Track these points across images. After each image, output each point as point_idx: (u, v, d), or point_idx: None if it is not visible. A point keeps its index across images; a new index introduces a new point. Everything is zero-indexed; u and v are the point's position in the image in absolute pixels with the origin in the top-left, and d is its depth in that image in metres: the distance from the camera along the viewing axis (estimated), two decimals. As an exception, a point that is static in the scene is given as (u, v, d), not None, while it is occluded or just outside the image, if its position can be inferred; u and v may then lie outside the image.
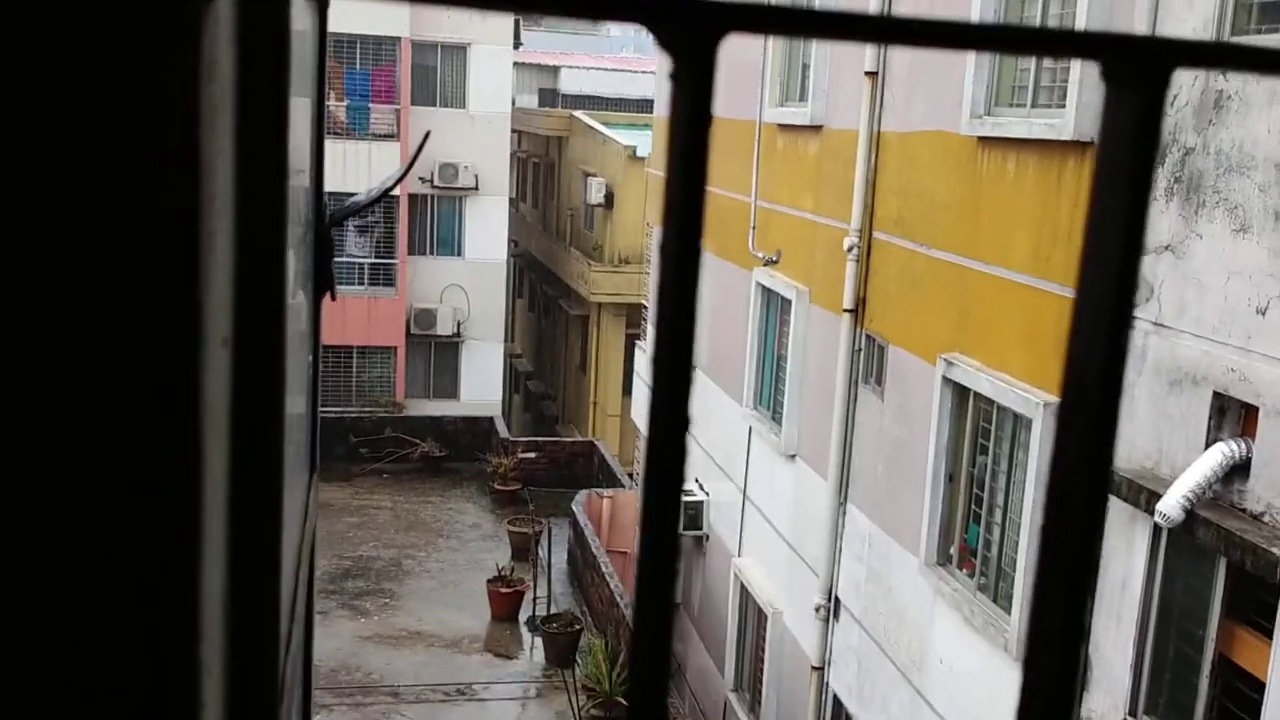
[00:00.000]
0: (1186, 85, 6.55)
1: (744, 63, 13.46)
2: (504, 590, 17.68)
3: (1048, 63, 8.13)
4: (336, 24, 24.49)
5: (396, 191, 25.25)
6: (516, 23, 27.21)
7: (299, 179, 1.49)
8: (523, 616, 17.77)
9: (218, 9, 0.59)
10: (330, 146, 27.30)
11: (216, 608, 0.63)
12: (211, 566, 0.60)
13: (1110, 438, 0.46)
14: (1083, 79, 7.38)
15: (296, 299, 1.46)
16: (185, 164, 0.52)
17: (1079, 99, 7.40)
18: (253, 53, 0.71)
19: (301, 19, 1.44)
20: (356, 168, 24.75)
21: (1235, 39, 6.33)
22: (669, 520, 0.44)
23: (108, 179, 0.50)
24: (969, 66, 8.68)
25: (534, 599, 17.52)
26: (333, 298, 1.80)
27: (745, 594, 13.33)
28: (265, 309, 0.76)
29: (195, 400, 0.54)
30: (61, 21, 0.48)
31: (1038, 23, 8.17)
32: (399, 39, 25.34)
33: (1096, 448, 0.46)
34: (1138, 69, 0.43)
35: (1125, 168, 0.43)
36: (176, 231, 0.52)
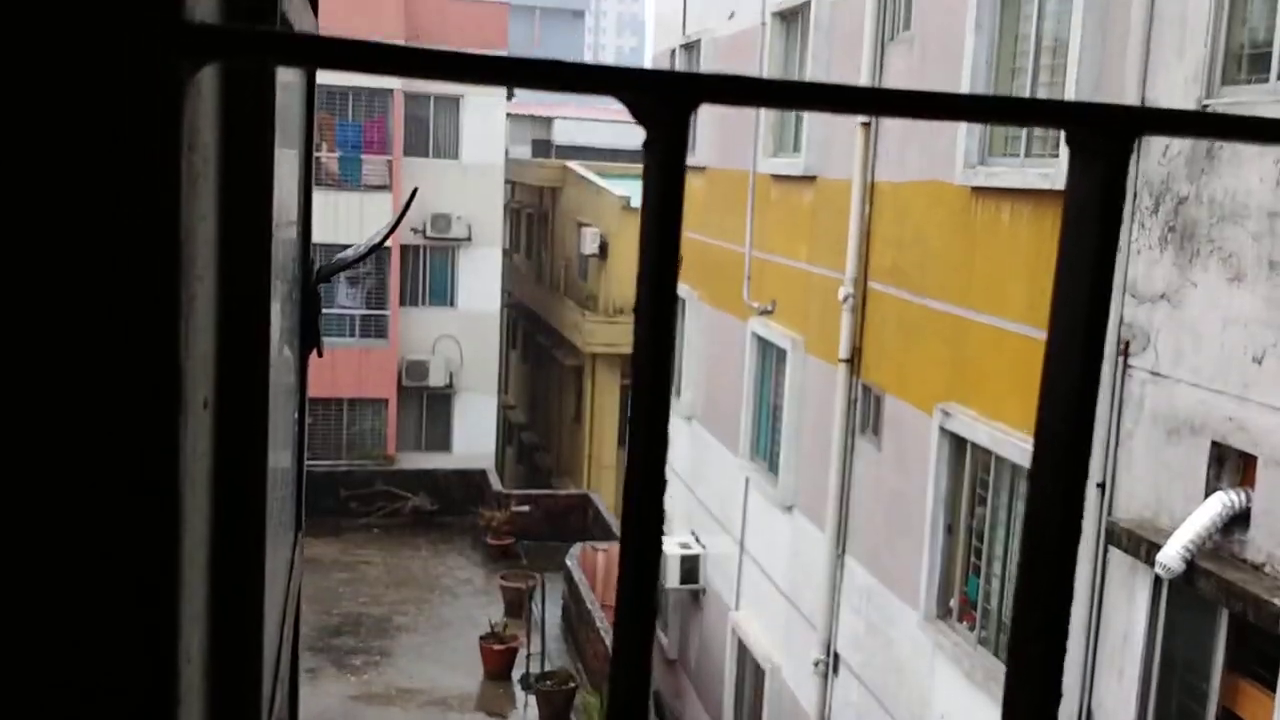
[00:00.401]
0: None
1: (738, 113, 13.55)
2: (497, 647, 17.47)
3: (1040, 113, 8.17)
4: (329, 76, 24.72)
5: (389, 243, 25.31)
6: (510, 77, 27.43)
7: (287, 234, 1.47)
8: (516, 674, 17.55)
9: (201, 81, 0.60)
10: (322, 197, 27.44)
11: (197, 670, 0.58)
12: (191, 628, 0.56)
13: (1080, 487, 0.47)
14: (1075, 129, 7.41)
15: (283, 355, 1.43)
16: (165, 231, 0.52)
17: (1072, 149, 7.42)
18: (237, 122, 0.73)
19: (289, 73, 1.42)
20: (348, 219, 24.83)
21: (1226, 88, 6.37)
22: (647, 581, 0.43)
23: (88, 244, 0.51)
24: (961, 117, 8.72)
25: (527, 656, 17.31)
26: (319, 354, 1.77)
27: (743, 649, 13.18)
28: (248, 371, 0.76)
29: (174, 463, 0.54)
30: (48, 90, 0.49)
31: (1030, 74, 8.24)
32: (391, 90, 25.53)
33: (1068, 498, 0.47)
34: (1100, 137, 0.44)
35: (1090, 232, 0.44)
36: (155, 297, 0.53)
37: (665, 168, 0.39)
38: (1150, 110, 0.45)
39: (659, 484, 0.42)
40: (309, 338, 1.73)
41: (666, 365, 0.40)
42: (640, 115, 0.39)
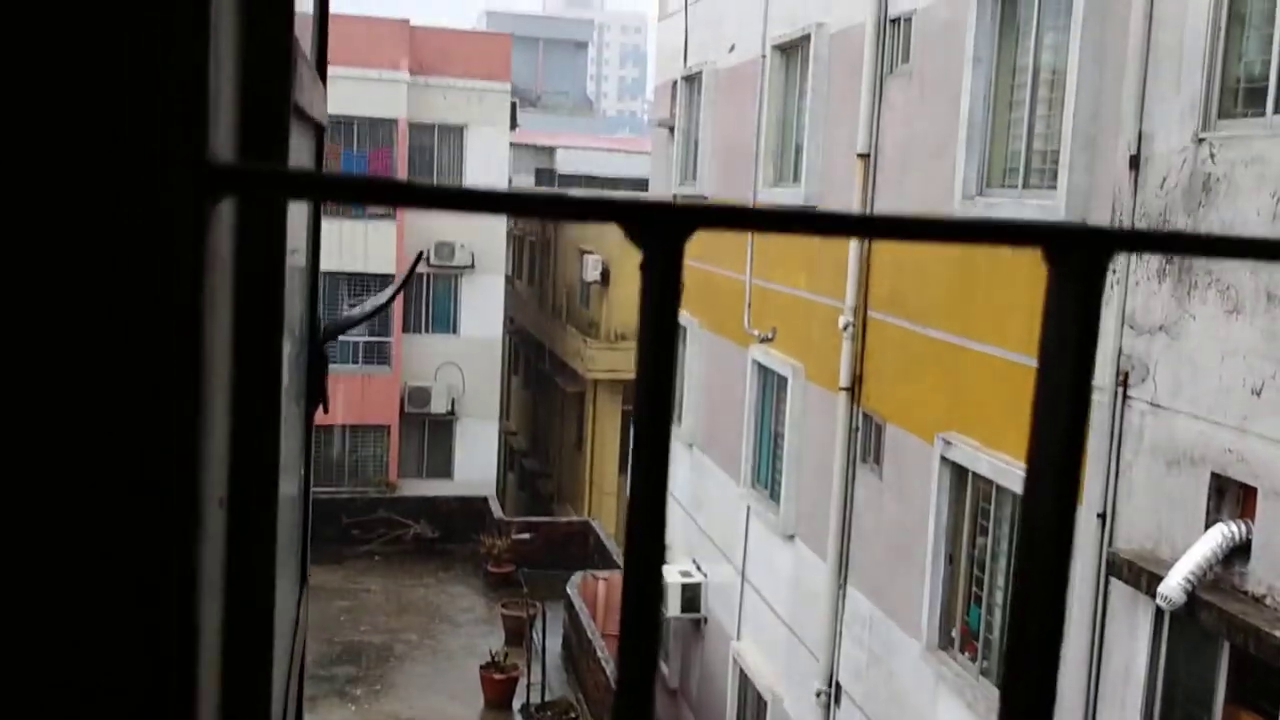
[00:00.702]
0: (1175, 168, 6.62)
1: (738, 143, 13.63)
2: (497, 676, 17.40)
3: (1038, 144, 8.23)
4: (334, 106, 24.79)
5: (393, 270, 25.37)
6: (513, 104, 27.60)
7: (295, 301, 1.50)
8: (516, 704, 17.47)
9: (221, 207, 0.64)
10: (327, 225, 27.48)
11: None
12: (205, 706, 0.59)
13: (1061, 598, 0.49)
14: (1073, 161, 7.46)
15: (289, 415, 1.46)
16: (186, 354, 0.55)
17: (1070, 180, 7.47)
18: (252, 230, 0.75)
19: (299, 152, 1.46)
20: (353, 247, 24.91)
21: (1222, 122, 6.41)
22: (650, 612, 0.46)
23: (112, 367, 0.54)
24: (960, 148, 8.78)
25: (528, 685, 17.24)
26: (325, 411, 1.79)
27: (744, 679, 13.13)
28: (262, 463, 0.78)
29: (192, 566, 0.56)
30: (80, 216, 0.52)
31: (1027, 106, 8.29)
32: (396, 120, 25.67)
33: (1051, 607, 0.49)
34: (1076, 256, 0.46)
35: (1070, 344, 0.46)
36: (175, 404, 0.55)
37: (661, 290, 0.42)
38: (1126, 231, 0.47)
39: (659, 547, 0.45)
40: (314, 396, 1.75)
41: (662, 474, 0.43)
42: (638, 240, 0.41)
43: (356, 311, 2.58)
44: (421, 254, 3.74)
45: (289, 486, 1.39)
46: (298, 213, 1.45)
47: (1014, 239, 0.49)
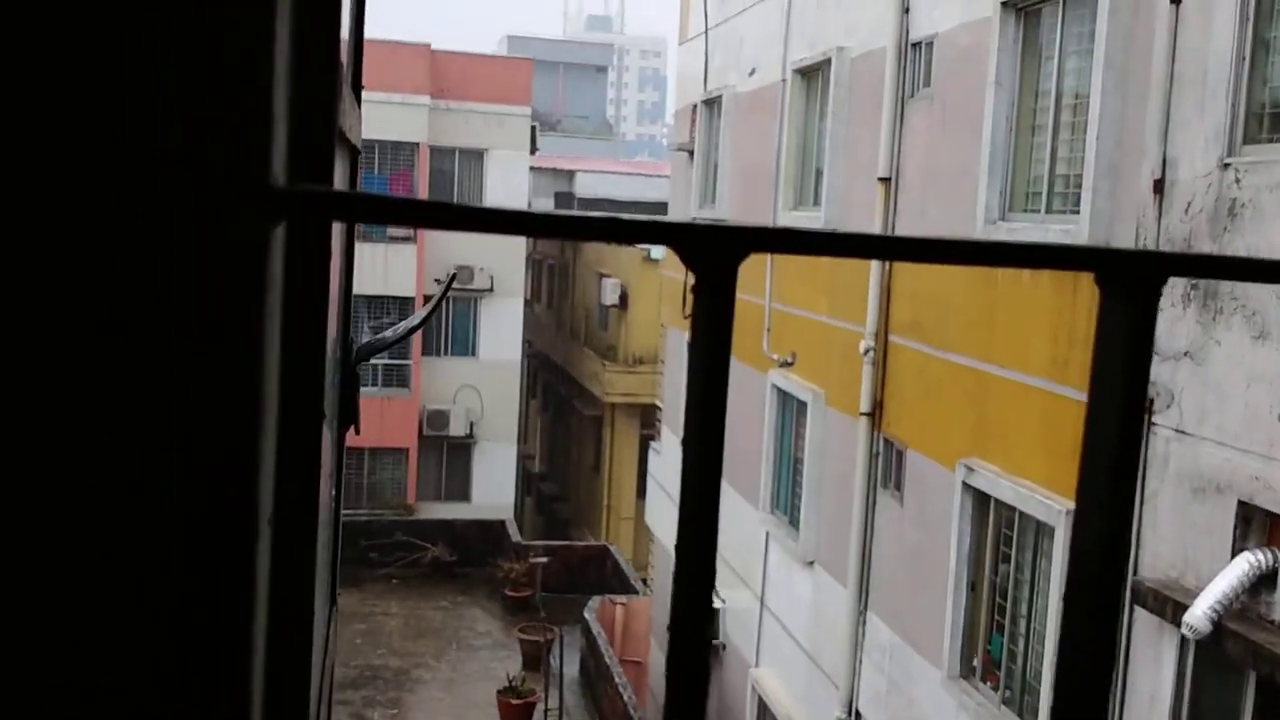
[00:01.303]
0: (1200, 192, 6.58)
1: (758, 166, 13.64)
2: (514, 701, 17.33)
3: (1061, 168, 8.20)
4: (356, 131, 24.97)
5: (412, 293, 25.47)
6: (533, 128, 27.73)
7: (330, 326, 1.50)
8: (534, 727, 17.39)
9: (279, 231, 0.64)
10: (348, 250, 27.27)
11: None
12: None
13: (1114, 615, 0.49)
14: (1096, 186, 7.42)
15: (327, 435, 1.44)
16: (248, 372, 0.56)
17: (1093, 205, 7.44)
18: (299, 267, 0.76)
19: (341, 174, 1.46)
20: (373, 270, 25.01)
21: (1247, 147, 6.37)
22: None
23: (177, 387, 0.55)
24: (982, 172, 8.76)
25: (545, 711, 17.16)
26: (357, 432, 1.78)
27: (763, 706, 13.03)
28: (304, 482, 0.79)
29: (250, 577, 0.57)
30: (150, 238, 0.53)
31: (1050, 130, 8.26)
32: (417, 144, 25.82)
33: (1103, 640, 0.49)
34: (1130, 280, 0.46)
35: (1119, 371, 0.46)
36: (239, 426, 0.56)
37: (714, 312, 0.42)
38: (1178, 255, 0.46)
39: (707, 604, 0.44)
40: (347, 417, 1.75)
41: (714, 495, 0.43)
42: (691, 262, 0.41)
43: (389, 333, 2.58)
44: (454, 274, 3.77)
45: (323, 508, 1.39)
46: (334, 236, 1.45)
47: (1067, 263, 0.49)
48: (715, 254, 0.40)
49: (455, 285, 26.39)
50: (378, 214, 0.42)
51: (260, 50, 0.53)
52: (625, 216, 0.39)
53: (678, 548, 0.42)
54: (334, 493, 1.74)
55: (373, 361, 26.13)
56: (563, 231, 0.38)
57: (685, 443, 0.41)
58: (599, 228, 0.39)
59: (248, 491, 0.55)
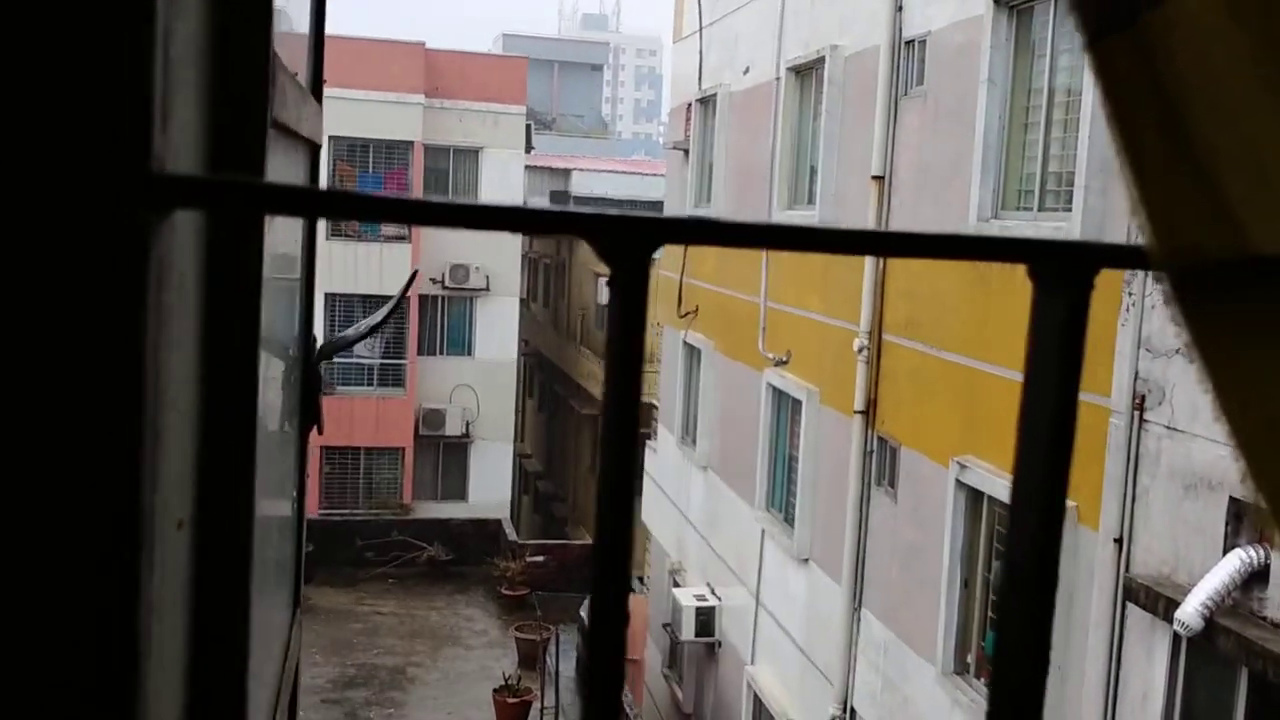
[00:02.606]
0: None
1: (753, 165, 13.65)
2: (511, 700, 17.34)
3: (1053, 166, 8.21)
4: (350, 128, 25.05)
5: (408, 293, 25.44)
6: (528, 127, 27.72)
7: (289, 322, 1.49)
8: (530, 726, 17.40)
9: (176, 220, 0.62)
10: (343, 248, 27.46)
11: None
12: None
13: (1048, 622, 0.49)
14: (1088, 183, 7.43)
15: (284, 434, 1.44)
16: (126, 365, 0.53)
17: (1085, 202, 7.45)
18: (223, 261, 0.74)
19: (292, 170, 1.45)
20: (368, 269, 25.00)
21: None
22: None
23: (49, 387, 0.52)
24: (975, 170, 8.77)
25: (541, 709, 17.17)
26: (319, 432, 1.78)
27: (759, 703, 13.04)
28: (233, 481, 0.77)
29: (134, 582, 0.54)
30: (13, 238, 0.51)
31: (1043, 128, 8.27)
32: (412, 143, 25.80)
33: (1038, 631, 0.49)
34: (1062, 272, 0.46)
35: (1054, 362, 0.46)
36: (114, 431, 0.53)
37: (627, 302, 0.41)
38: (1111, 246, 0.46)
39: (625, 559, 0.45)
40: (309, 416, 1.74)
41: (627, 492, 0.42)
42: (605, 254, 0.41)
43: (351, 332, 2.58)
44: (416, 273, 3.79)
45: (277, 508, 1.38)
46: (290, 233, 1.44)
47: (1000, 255, 0.49)
48: (627, 245, 0.40)
49: (451, 284, 26.38)
50: (277, 204, 0.42)
51: (137, 33, 0.51)
52: (535, 207, 0.40)
53: (594, 558, 0.43)
54: (295, 494, 1.73)
55: (368, 361, 26.12)
56: (466, 221, 0.38)
57: (602, 427, 0.42)
58: (505, 218, 0.39)
59: (130, 494, 0.53)
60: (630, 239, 0.40)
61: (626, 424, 0.40)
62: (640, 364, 0.40)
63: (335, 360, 25.30)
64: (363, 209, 0.39)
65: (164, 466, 0.60)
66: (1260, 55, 0.42)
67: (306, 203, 0.39)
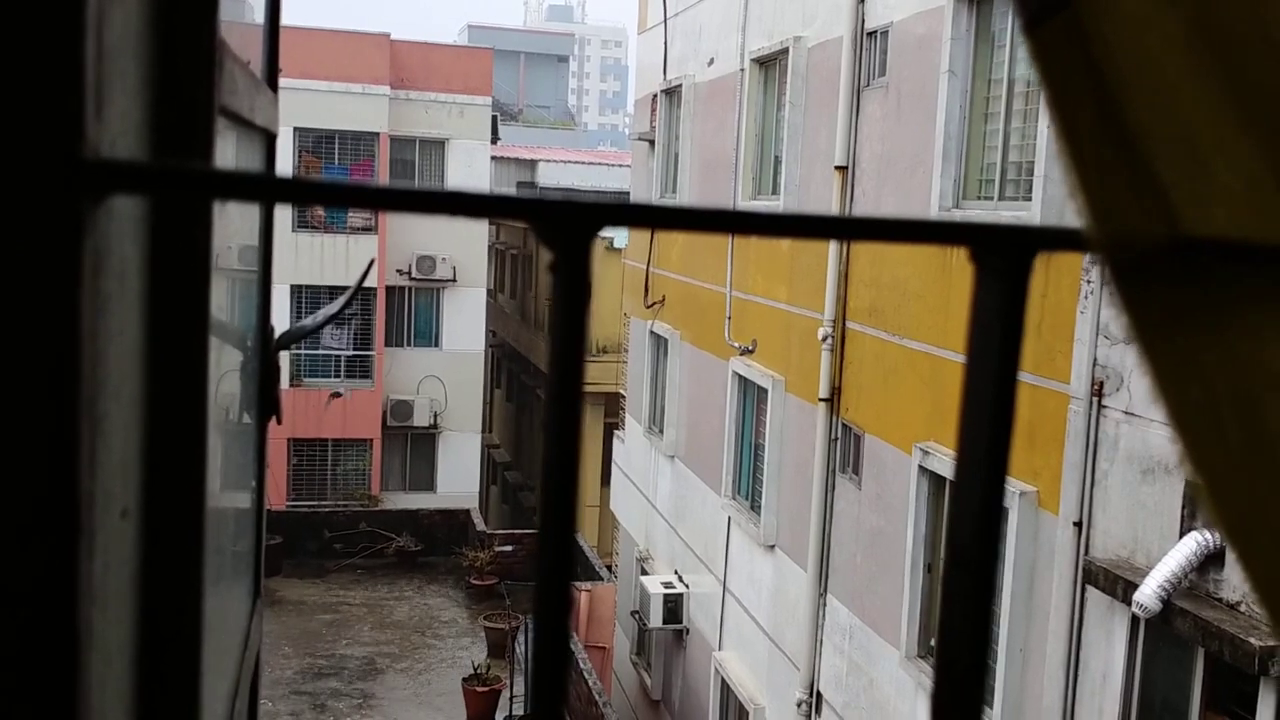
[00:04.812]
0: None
1: (718, 155, 13.69)
2: (480, 689, 17.35)
3: (1014, 155, 8.30)
4: (315, 119, 24.86)
5: (374, 285, 25.35)
6: (494, 118, 27.62)
7: (247, 310, 1.50)
8: (499, 716, 17.42)
9: (114, 205, 0.60)
10: (309, 239, 27.18)
11: None
12: None
13: (988, 595, 0.49)
14: (1048, 173, 7.53)
15: (242, 423, 1.45)
16: (58, 353, 0.52)
17: (1045, 192, 7.54)
18: (169, 248, 0.73)
19: (247, 159, 1.46)
20: (334, 260, 24.87)
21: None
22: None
23: None
24: (936, 159, 8.85)
25: (511, 698, 17.19)
26: (278, 422, 1.80)
27: (726, 688, 13.13)
28: (181, 468, 0.77)
29: (71, 569, 0.54)
30: None
31: (1003, 118, 8.36)
32: (377, 134, 25.66)
33: (977, 608, 0.49)
34: (1002, 255, 0.46)
35: (994, 344, 0.46)
36: (47, 418, 0.52)
37: (569, 286, 0.42)
38: (1049, 229, 0.47)
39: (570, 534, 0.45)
40: (268, 406, 1.76)
41: (571, 488, 0.43)
42: (546, 240, 0.41)
43: (309, 321, 2.60)
44: (372, 262, 3.78)
45: (234, 499, 1.39)
46: (246, 221, 1.46)
47: (942, 238, 0.49)
48: (568, 229, 0.40)
49: (417, 275, 26.27)
50: (213, 189, 0.43)
51: (66, 19, 0.51)
52: (474, 191, 0.41)
53: (538, 548, 0.45)
54: (255, 484, 1.74)
55: (335, 353, 25.99)
56: (412, 206, 0.39)
57: (545, 414, 0.43)
58: (449, 202, 0.40)
59: (66, 481, 0.52)
60: (570, 222, 0.40)
61: (569, 412, 0.41)
62: (583, 350, 0.42)
63: (304, 352, 25.14)
64: (302, 193, 0.40)
65: (105, 455, 0.60)
66: (1192, 39, 0.42)
67: (243, 187, 0.40)
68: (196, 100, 0.79)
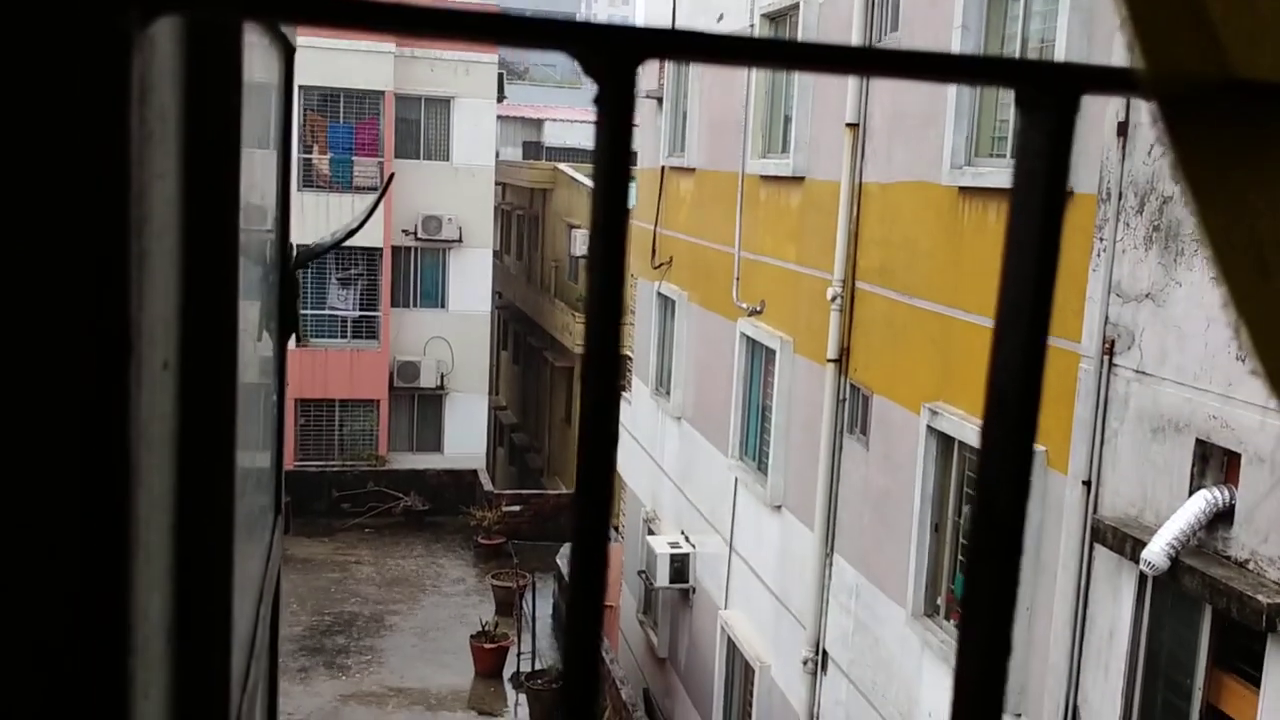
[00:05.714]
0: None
1: (727, 114, 13.59)
2: (488, 646, 17.48)
3: (1026, 114, 8.21)
4: (320, 78, 24.72)
5: (380, 245, 25.29)
6: (500, 76, 27.45)
7: (263, 221, 1.49)
8: (507, 673, 17.56)
9: (156, 37, 0.59)
10: (315, 199, 27.22)
11: (157, 629, 0.60)
12: (150, 586, 0.58)
13: (1029, 447, 0.49)
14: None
15: (261, 340, 1.44)
16: (112, 185, 0.52)
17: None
18: (201, 76, 0.72)
19: (267, 70, 1.44)
20: (341, 219, 24.76)
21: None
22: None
23: (30, 198, 0.51)
24: (949, 117, 8.77)
25: (518, 655, 17.32)
26: (299, 341, 1.79)
27: (732, 647, 13.20)
28: (213, 332, 0.76)
29: (124, 417, 0.54)
30: None
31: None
32: (383, 93, 25.52)
33: (1018, 459, 0.49)
34: (1048, 93, 0.45)
35: (1039, 188, 0.46)
36: (102, 250, 0.52)
37: (613, 118, 0.41)
38: (1097, 67, 0.46)
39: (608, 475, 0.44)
40: (288, 322, 1.75)
41: (616, 323, 0.42)
42: (589, 69, 0.40)
43: (328, 237, 2.58)
44: (392, 176, 3.77)
45: (260, 406, 1.38)
46: (264, 157, 1.44)
47: (982, 77, 0.48)
48: (613, 54, 0.39)
49: (423, 236, 26.22)
50: (262, 6, 0.42)
51: None
52: (511, 14, 0.39)
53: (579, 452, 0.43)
54: (276, 398, 1.74)
55: (341, 314, 25.99)
56: (435, 29, 0.38)
57: (589, 262, 0.42)
58: (482, 27, 0.38)
59: (116, 324, 0.53)
60: (616, 49, 0.39)
61: (614, 248, 0.40)
62: (627, 184, 0.41)
63: (309, 313, 25.14)
64: (337, 12, 0.39)
65: (149, 307, 0.60)
66: None
67: (282, 4, 0.39)
68: None
